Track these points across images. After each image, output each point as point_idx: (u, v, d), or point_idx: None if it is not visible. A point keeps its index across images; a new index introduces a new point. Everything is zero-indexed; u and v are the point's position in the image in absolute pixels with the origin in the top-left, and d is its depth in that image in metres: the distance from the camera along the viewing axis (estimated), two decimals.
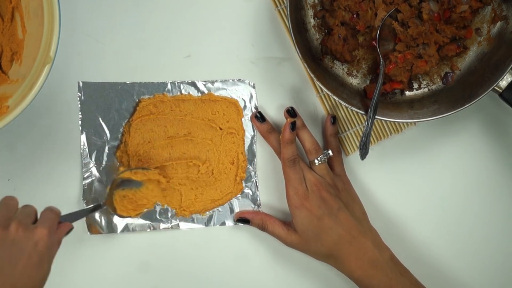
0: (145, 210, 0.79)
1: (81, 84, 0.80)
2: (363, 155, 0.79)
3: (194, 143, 0.82)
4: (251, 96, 0.83)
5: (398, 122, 0.84)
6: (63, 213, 0.79)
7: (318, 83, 0.77)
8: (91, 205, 0.77)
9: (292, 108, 0.81)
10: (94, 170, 0.80)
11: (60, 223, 0.68)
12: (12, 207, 0.65)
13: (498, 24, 0.82)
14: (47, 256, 0.64)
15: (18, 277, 0.62)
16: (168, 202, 0.81)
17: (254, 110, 0.83)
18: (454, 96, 0.81)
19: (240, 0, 0.82)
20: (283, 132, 0.78)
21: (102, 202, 0.77)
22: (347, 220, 0.78)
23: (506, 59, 0.77)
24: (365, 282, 0.78)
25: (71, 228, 0.69)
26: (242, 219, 0.82)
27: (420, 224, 0.86)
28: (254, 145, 0.83)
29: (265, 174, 0.83)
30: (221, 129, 0.82)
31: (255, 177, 0.83)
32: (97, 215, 0.79)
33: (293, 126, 0.78)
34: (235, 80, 0.83)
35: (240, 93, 0.83)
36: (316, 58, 0.83)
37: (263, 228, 0.81)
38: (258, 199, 0.83)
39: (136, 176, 0.78)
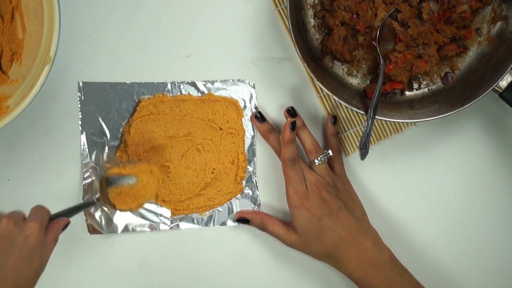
0: (145, 201, 0.78)
1: (81, 84, 0.80)
2: (363, 155, 0.79)
3: (194, 143, 0.82)
4: (251, 96, 0.83)
5: (398, 122, 0.83)
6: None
7: (318, 83, 0.77)
8: (82, 202, 0.76)
9: (292, 107, 0.81)
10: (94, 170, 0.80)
11: (54, 220, 0.67)
12: None
13: (498, 24, 0.82)
14: (39, 251, 0.64)
15: (8, 272, 0.61)
16: (166, 196, 0.81)
17: (254, 110, 0.83)
18: (454, 96, 0.81)
19: (240, 0, 0.82)
20: (283, 132, 0.78)
21: (96, 198, 0.76)
22: (347, 220, 0.78)
23: (506, 59, 0.77)
24: (365, 282, 0.78)
25: (68, 223, 0.68)
26: (242, 219, 0.82)
27: (420, 224, 0.86)
28: (254, 145, 0.83)
29: (265, 174, 0.83)
30: (221, 129, 0.82)
31: (255, 177, 0.83)
32: (97, 215, 0.79)
33: (293, 126, 0.78)
34: (235, 80, 0.83)
35: (240, 93, 0.83)
36: (316, 58, 0.83)
37: (263, 228, 0.81)
38: (258, 199, 0.83)
39: (126, 170, 0.77)
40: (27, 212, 0.78)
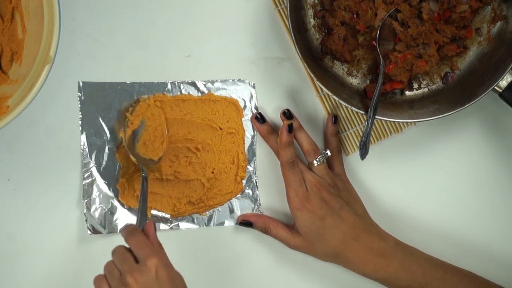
0: (164, 136, 0.79)
1: (81, 84, 0.80)
2: (363, 155, 0.79)
3: (194, 143, 0.82)
4: (251, 96, 0.83)
5: (398, 122, 0.84)
6: (60, 214, 0.79)
7: (318, 83, 0.77)
8: (142, 200, 0.75)
9: (288, 110, 0.81)
10: (94, 170, 0.80)
11: (147, 231, 0.69)
12: (113, 268, 0.67)
13: (498, 24, 0.82)
14: (169, 268, 0.67)
15: None
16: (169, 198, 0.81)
17: (254, 110, 0.83)
18: (454, 96, 0.81)
19: (240, 0, 0.82)
20: (280, 135, 0.78)
21: (144, 174, 0.76)
22: (350, 218, 0.78)
23: (506, 59, 0.77)
24: (380, 273, 0.78)
25: (154, 224, 0.70)
26: (245, 222, 0.81)
27: (420, 223, 0.86)
28: (254, 144, 0.83)
29: (265, 174, 0.83)
30: (221, 129, 0.82)
31: (255, 176, 0.83)
32: (97, 215, 0.79)
33: (290, 128, 0.78)
34: (235, 80, 0.83)
35: (240, 93, 0.83)
36: (316, 58, 0.83)
37: (266, 231, 0.81)
38: (258, 198, 0.83)
39: (135, 119, 0.78)
40: (27, 213, 0.79)
